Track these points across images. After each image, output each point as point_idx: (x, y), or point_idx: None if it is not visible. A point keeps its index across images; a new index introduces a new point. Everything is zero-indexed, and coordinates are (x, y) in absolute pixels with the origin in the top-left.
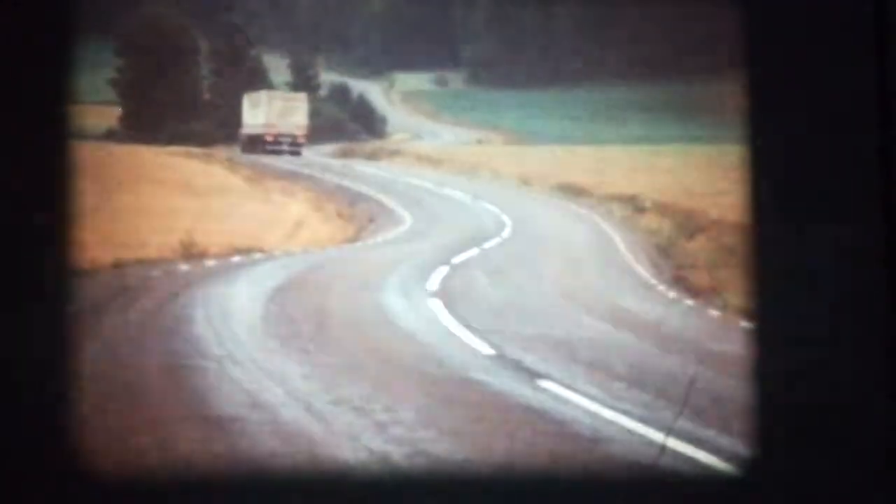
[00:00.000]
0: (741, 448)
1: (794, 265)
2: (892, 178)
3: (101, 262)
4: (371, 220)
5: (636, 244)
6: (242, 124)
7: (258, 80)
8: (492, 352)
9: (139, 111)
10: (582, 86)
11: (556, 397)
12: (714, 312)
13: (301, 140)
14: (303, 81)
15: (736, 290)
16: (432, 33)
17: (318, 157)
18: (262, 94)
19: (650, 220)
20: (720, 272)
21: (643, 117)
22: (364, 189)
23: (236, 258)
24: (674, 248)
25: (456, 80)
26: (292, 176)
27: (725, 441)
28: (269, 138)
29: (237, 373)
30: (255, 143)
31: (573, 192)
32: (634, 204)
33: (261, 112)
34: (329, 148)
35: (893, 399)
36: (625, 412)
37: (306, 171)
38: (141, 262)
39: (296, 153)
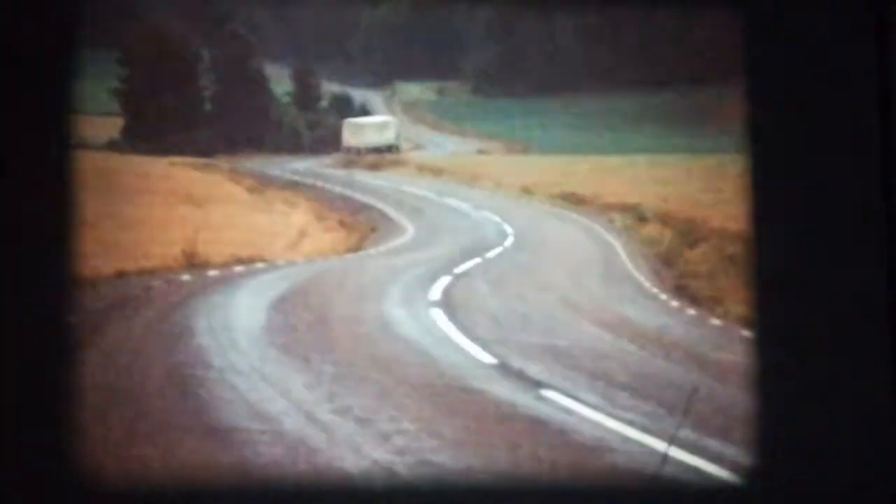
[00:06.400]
0: (743, 457)
1: (795, 275)
2: (892, 188)
3: (104, 271)
4: (373, 230)
5: (638, 253)
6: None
7: (260, 90)
8: (494, 361)
9: (141, 121)
10: (583, 95)
11: (559, 407)
12: (716, 321)
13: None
14: (304, 91)
15: (737, 300)
16: (434, 43)
17: (320, 167)
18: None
19: (652, 230)
20: (721, 281)
21: (644, 126)
22: (366, 199)
23: (238, 268)
24: (675, 257)
25: (457, 89)
26: (294, 186)
27: (727, 450)
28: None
29: (239, 382)
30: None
31: (575, 201)
32: (636, 213)
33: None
34: (331, 158)
35: (894, 408)
36: (627, 421)
37: (308, 180)
38: (143, 272)
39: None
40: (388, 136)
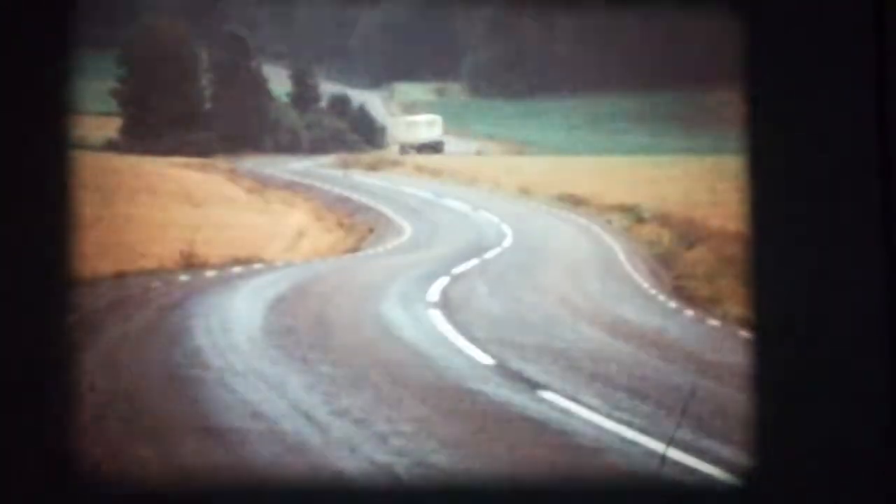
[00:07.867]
0: (741, 458)
1: (794, 276)
2: (891, 190)
3: (102, 272)
4: (371, 231)
5: (636, 254)
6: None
7: (258, 90)
8: (492, 362)
9: (140, 121)
10: (582, 96)
11: (557, 408)
12: (714, 322)
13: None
14: (303, 92)
15: (736, 301)
16: (432, 44)
17: (318, 167)
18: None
19: (650, 231)
20: (720, 282)
21: (643, 127)
22: (364, 199)
23: (237, 268)
24: (674, 258)
25: (456, 90)
26: (293, 186)
27: (726, 451)
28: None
29: (237, 383)
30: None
31: (573, 202)
32: (634, 214)
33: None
34: (329, 158)
35: (894, 410)
36: (625, 422)
37: (307, 181)
38: (141, 273)
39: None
40: (436, 133)
